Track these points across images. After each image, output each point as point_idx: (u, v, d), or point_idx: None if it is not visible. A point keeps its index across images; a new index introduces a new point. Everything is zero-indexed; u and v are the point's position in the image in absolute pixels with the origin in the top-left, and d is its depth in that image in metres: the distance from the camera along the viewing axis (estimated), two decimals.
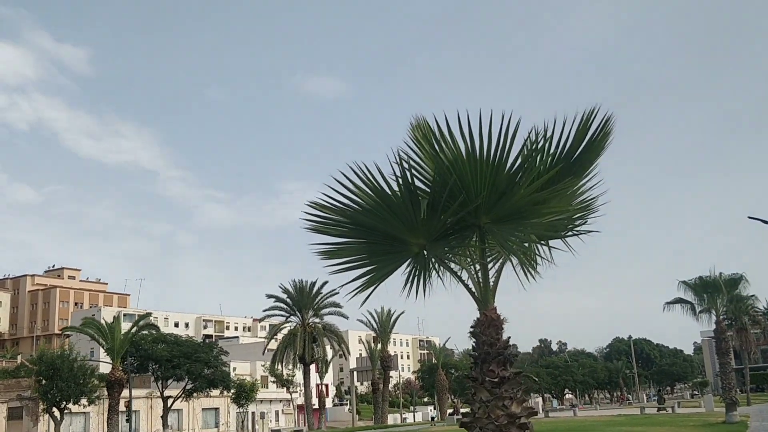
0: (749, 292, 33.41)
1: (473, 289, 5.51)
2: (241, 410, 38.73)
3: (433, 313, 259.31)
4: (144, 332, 47.31)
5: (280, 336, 59.49)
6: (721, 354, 32.74)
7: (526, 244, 5.68)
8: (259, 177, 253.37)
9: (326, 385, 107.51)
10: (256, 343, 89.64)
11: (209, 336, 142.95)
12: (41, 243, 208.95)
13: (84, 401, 43.46)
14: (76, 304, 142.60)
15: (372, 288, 5.68)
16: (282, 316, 59.20)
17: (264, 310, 58.64)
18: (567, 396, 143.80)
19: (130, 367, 47.60)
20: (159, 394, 49.60)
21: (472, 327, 5.36)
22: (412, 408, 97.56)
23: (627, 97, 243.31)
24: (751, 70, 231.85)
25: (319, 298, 58.90)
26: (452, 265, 5.80)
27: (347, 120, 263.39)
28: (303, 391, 60.69)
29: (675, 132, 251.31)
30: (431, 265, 5.58)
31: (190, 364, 48.11)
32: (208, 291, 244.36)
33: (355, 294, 5.66)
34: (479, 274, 5.56)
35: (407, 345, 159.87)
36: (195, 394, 50.71)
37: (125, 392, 45.28)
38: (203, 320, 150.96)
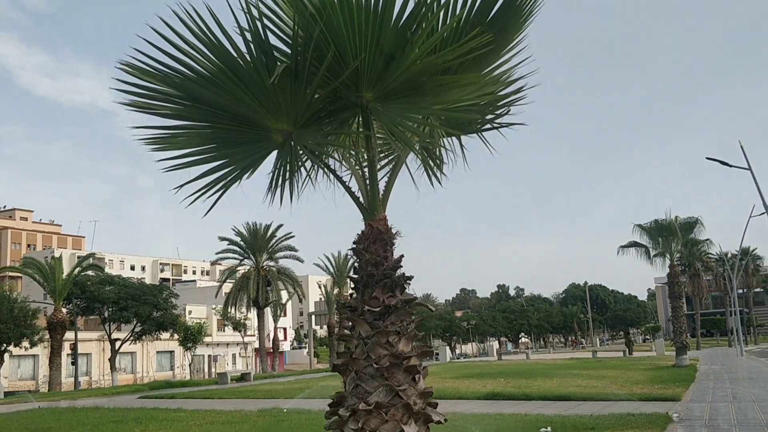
0: (704, 237, 32.99)
1: (358, 195, 4.22)
2: (191, 353, 37.81)
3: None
4: (90, 273, 45.67)
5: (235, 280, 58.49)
6: (674, 298, 32.50)
7: (426, 131, 4.38)
8: None
9: (284, 329, 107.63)
10: (214, 286, 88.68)
11: (166, 279, 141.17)
12: None
13: (26, 343, 41.94)
14: (28, 245, 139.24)
15: (221, 192, 4.34)
16: (236, 259, 58.05)
17: (217, 253, 57.35)
18: (523, 340, 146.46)
19: (76, 309, 46.15)
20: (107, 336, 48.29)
21: (354, 243, 4.12)
22: None
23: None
24: None
25: (274, 241, 57.77)
26: (332, 162, 4.49)
27: None
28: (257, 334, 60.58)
29: (640, 77, 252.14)
30: (301, 161, 4.24)
31: (138, 306, 46.73)
32: (168, 235, 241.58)
33: (197, 198, 4.31)
34: (365, 172, 4.22)
35: None
36: (145, 337, 49.50)
37: (71, 335, 43.95)
38: (160, 263, 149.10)
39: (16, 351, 46.43)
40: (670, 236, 31.42)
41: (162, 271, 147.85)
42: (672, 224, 31.28)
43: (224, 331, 77.65)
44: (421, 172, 4.77)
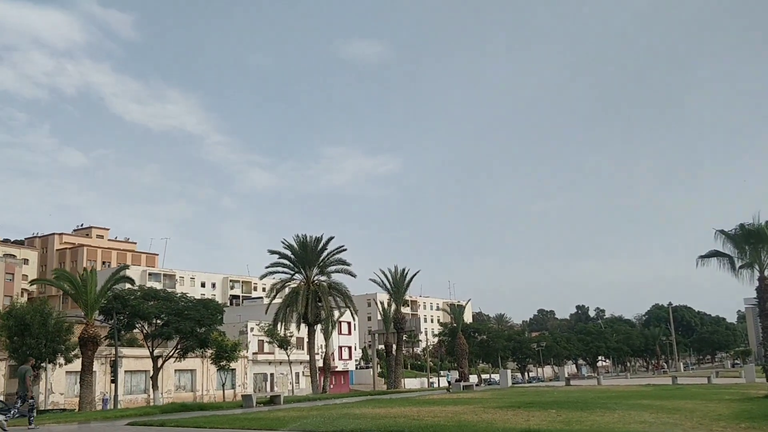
0: None
1: None
2: (225, 371, 34.95)
3: (465, 278, 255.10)
4: (128, 287, 43.90)
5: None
6: (765, 317, 27.66)
7: None
8: (300, 142, 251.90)
9: (349, 348, 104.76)
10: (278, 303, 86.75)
11: (236, 296, 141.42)
12: (89, 206, 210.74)
13: (61, 360, 40.32)
14: (104, 263, 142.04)
15: None
16: (286, 273, 55.50)
17: (267, 267, 54.83)
18: (601, 364, 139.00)
19: (117, 324, 44.47)
20: (148, 352, 46.42)
21: None
22: (437, 373, 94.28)
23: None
24: None
25: (325, 254, 54.95)
26: None
27: (390, 85, 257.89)
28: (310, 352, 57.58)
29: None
30: None
31: (180, 322, 44.68)
32: (247, 254, 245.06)
33: None
34: None
35: (437, 309, 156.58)
36: (190, 354, 47.45)
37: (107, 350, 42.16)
38: (230, 281, 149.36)
39: (68, 367, 44.82)
40: (759, 243, 26.68)
41: (232, 288, 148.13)
42: (761, 229, 26.52)
43: (288, 349, 75.50)
44: None
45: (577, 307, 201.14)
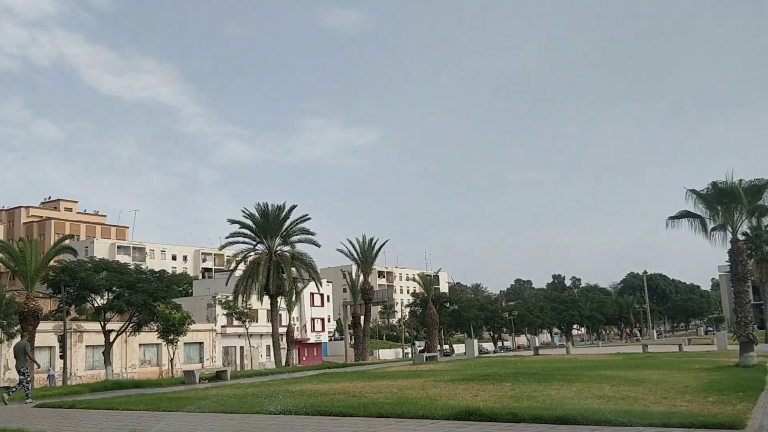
0: None
1: None
2: (174, 347, 33.00)
3: (443, 249, 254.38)
4: (79, 259, 41.59)
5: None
6: (737, 281, 26.09)
7: None
8: (279, 114, 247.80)
9: (322, 319, 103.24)
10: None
11: (208, 269, 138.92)
12: (64, 180, 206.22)
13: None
14: (72, 236, 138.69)
15: None
16: (248, 244, 53.47)
17: (227, 237, 52.74)
18: (576, 332, 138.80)
19: (67, 298, 42.23)
20: (101, 327, 44.28)
21: None
22: (412, 343, 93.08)
23: None
24: None
25: (288, 223, 52.95)
26: None
27: (369, 55, 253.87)
28: (285, 323, 55.72)
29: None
30: None
31: (132, 294, 42.53)
32: (224, 227, 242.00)
33: None
34: None
35: (413, 280, 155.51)
36: (145, 328, 45.32)
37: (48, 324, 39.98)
38: (202, 253, 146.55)
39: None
40: (731, 203, 24.99)
41: (204, 261, 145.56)
42: (734, 188, 24.81)
43: (257, 321, 73.43)
44: None
45: (554, 276, 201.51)
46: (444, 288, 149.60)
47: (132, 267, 46.14)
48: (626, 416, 11.58)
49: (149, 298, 42.93)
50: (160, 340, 60.30)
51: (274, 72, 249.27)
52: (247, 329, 63.10)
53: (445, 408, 13.41)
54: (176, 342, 35.32)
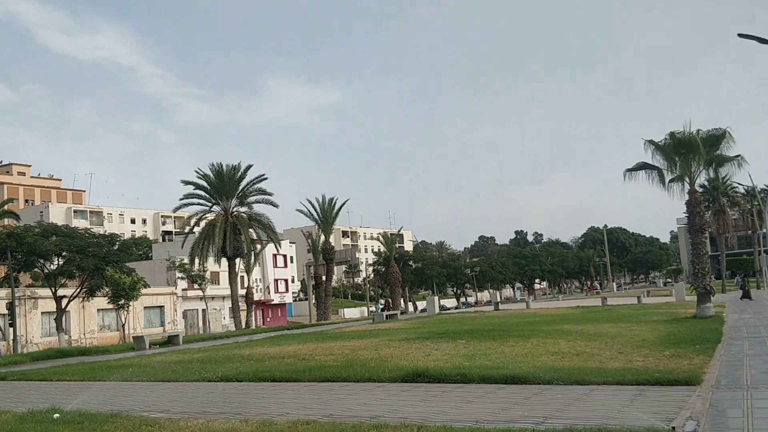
0: (734, 154, 25.93)
1: None
2: (125, 312, 31.98)
3: (408, 208, 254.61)
4: (25, 224, 39.94)
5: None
6: (694, 232, 25.88)
7: None
8: (239, 73, 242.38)
9: (285, 280, 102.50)
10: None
11: (168, 233, 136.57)
12: (18, 145, 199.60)
13: None
14: (26, 201, 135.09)
15: None
16: (204, 205, 52.21)
17: (180, 199, 51.35)
18: (539, 286, 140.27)
19: (14, 264, 40.68)
20: (51, 293, 42.85)
21: None
22: (376, 301, 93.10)
23: None
24: None
25: (244, 184, 51.74)
26: None
27: (331, 12, 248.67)
28: (248, 284, 54.73)
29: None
30: None
31: (83, 259, 41.12)
32: (185, 189, 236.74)
33: None
34: None
35: (376, 239, 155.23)
36: (98, 293, 43.97)
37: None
38: (162, 216, 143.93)
39: None
40: (689, 154, 24.59)
41: (164, 224, 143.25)
42: (692, 138, 24.38)
43: (219, 283, 72.34)
44: None
45: (516, 232, 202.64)
46: (409, 247, 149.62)
47: (82, 231, 44.50)
48: (579, 374, 11.11)
49: (101, 263, 41.56)
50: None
51: (232, 30, 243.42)
52: (203, 292, 62.13)
53: (394, 370, 12.82)
54: (127, 307, 34.18)
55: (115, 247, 44.16)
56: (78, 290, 43.01)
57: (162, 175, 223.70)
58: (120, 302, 32.72)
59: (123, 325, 35.72)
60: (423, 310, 59.20)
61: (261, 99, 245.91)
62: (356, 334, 26.23)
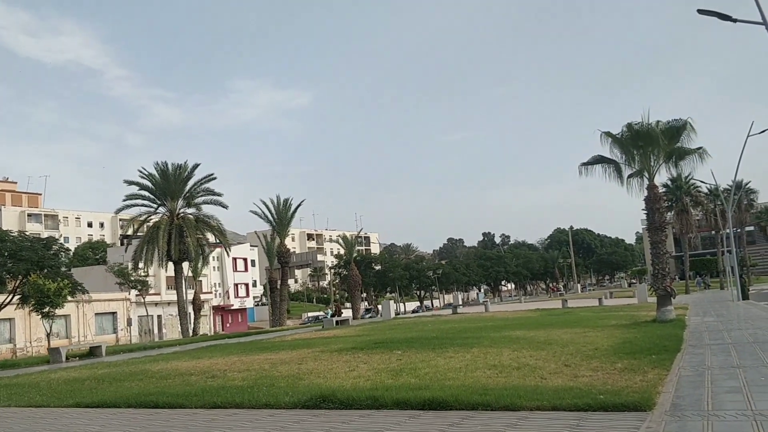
0: (696, 146, 24.30)
1: None
2: (50, 320, 29.57)
3: (375, 211, 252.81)
4: None
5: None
6: (654, 230, 24.23)
7: None
8: (206, 76, 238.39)
9: (246, 285, 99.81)
10: None
11: (127, 236, 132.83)
12: None
13: None
14: None
15: None
16: (149, 207, 49.75)
17: (123, 201, 48.83)
18: (506, 288, 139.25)
19: None
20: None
21: None
22: (340, 306, 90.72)
23: None
24: None
25: (192, 184, 49.40)
26: None
27: (300, 14, 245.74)
28: (201, 290, 52.17)
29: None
30: None
31: (14, 263, 38.40)
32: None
33: None
34: None
35: (336, 242, 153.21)
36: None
37: None
38: (120, 220, 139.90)
39: None
40: (648, 146, 22.95)
41: (122, 227, 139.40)
42: (651, 130, 22.75)
43: (143, 290, 69.84)
44: None
45: (484, 234, 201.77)
46: (376, 249, 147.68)
47: (15, 234, 41.79)
48: (511, 396, 9.21)
49: (34, 267, 38.84)
50: (68, 311, 56.30)
51: (198, 31, 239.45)
52: (144, 298, 59.50)
53: (300, 392, 10.82)
54: (53, 315, 31.79)
55: (51, 252, 41.35)
56: (10, 297, 40.20)
57: (127, 178, 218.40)
58: (44, 310, 30.32)
59: (48, 335, 33.10)
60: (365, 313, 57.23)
61: (228, 102, 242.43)
62: (293, 343, 24.15)
